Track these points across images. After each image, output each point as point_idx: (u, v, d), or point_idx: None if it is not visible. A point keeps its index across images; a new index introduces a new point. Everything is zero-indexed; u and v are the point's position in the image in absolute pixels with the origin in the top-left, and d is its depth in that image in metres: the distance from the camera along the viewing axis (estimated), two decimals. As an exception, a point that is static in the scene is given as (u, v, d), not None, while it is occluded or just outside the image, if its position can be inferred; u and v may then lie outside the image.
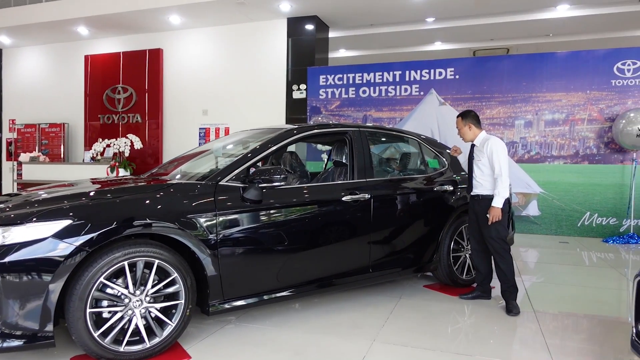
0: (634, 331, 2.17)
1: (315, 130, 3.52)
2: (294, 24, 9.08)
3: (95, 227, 2.32)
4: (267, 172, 2.84)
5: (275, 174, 2.82)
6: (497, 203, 3.47)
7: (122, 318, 2.43)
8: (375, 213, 3.42)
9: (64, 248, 2.24)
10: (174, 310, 2.58)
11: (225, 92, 9.54)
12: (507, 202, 3.56)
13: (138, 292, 2.46)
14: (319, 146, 8.36)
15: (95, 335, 2.34)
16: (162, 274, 2.55)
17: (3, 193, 9.80)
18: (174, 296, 2.58)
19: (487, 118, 7.56)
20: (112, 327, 2.40)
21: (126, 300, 2.43)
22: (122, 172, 8.17)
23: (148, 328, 2.50)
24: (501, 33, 10.24)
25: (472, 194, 3.71)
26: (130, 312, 2.44)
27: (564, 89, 7.22)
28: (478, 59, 8.22)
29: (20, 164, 9.72)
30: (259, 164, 3.33)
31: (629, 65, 6.93)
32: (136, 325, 2.46)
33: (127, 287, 2.43)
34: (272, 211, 2.95)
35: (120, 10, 8.81)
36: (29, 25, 9.72)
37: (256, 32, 9.33)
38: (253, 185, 2.84)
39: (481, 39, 10.71)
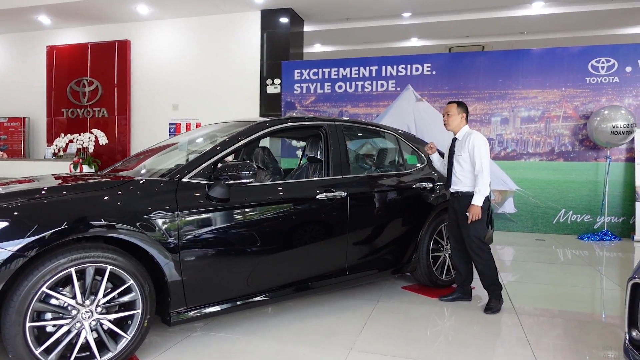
0: (627, 337, 2.04)
1: (288, 124, 3.29)
2: (268, 17, 8.81)
3: (36, 230, 2.04)
4: (234, 168, 2.60)
5: (243, 170, 2.58)
6: (477, 201, 3.33)
7: (69, 332, 2.16)
8: (351, 212, 3.23)
9: (-2, 254, 1.96)
10: (129, 321, 2.32)
11: (197, 87, 9.20)
12: (487, 199, 3.42)
13: (88, 302, 2.20)
14: (294, 142, 8.14)
15: (37, 352, 2.06)
16: (116, 281, 2.29)
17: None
18: (130, 305, 2.33)
19: (464, 114, 7.47)
20: (57, 342, 2.13)
21: (74, 312, 2.16)
22: (86, 169, 7.75)
23: (100, 342, 2.24)
24: (476, 30, 10.22)
25: (451, 190, 3.56)
26: (78, 324, 2.17)
27: (539, 86, 7.20)
28: (455, 54, 8.14)
29: (-24, 160, 9.15)
30: (230, 159, 3.09)
31: (603, 63, 6.95)
32: (86, 339, 2.19)
33: (74, 297, 2.16)
34: (240, 210, 2.71)
35: (84, -2, 8.37)
36: (-15, 13, 9.15)
37: (229, 24, 9.02)
38: (219, 182, 2.60)
39: (457, 35, 10.67)
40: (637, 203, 6.64)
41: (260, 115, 8.78)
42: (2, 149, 9.72)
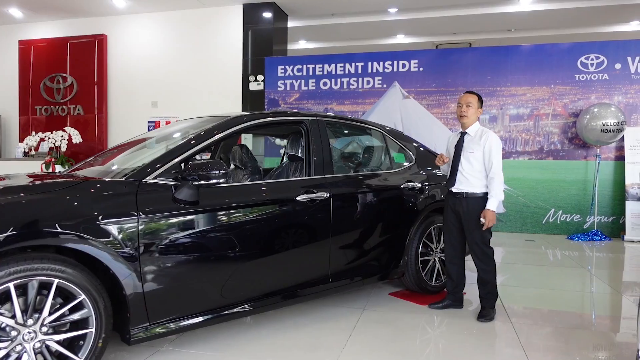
0: None
1: (267, 119, 3.02)
2: (251, 11, 8.52)
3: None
4: (203, 167, 2.33)
5: (212, 170, 2.31)
6: (493, 206, 3.08)
7: (8, 356, 1.88)
8: (335, 214, 2.98)
9: None
10: (81, 342, 2.04)
11: (177, 83, 8.87)
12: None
13: (31, 322, 1.91)
14: (277, 141, 7.87)
15: (-32, 381, 1.78)
16: (65, 296, 2.01)
17: None
18: (82, 324, 2.05)
19: (452, 112, 7.29)
20: (-6, 369, 1.85)
21: (13, 333, 1.88)
22: (59, 169, 7.38)
23: (46, 366, 1.96)
24: (464, 27, 10.06)
25: (454, 190, 3.27)
26: (19, 347, 1.89)
27: (528, 83, 7.04)
28: (442, 51, 7.96)
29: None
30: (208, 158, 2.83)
31: (592, 59, 6.82)
32: (29, 363, 1.91)
33: (14, 317, 1.88)
34: (211, 214, 2.45)
35: (57, -10, 7.99)
36: (-48, 5, 8.71)
37: (210, 18, 8.70)
38: (186, 182, 2.33)
39: (444, 32, 10.51)
40: (627, 202, 6.52)
41: (243, 113, 8.48)
42: (-29, 148, 9.26)
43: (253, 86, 8.41)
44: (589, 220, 6.75)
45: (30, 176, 2.65)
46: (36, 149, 7.95)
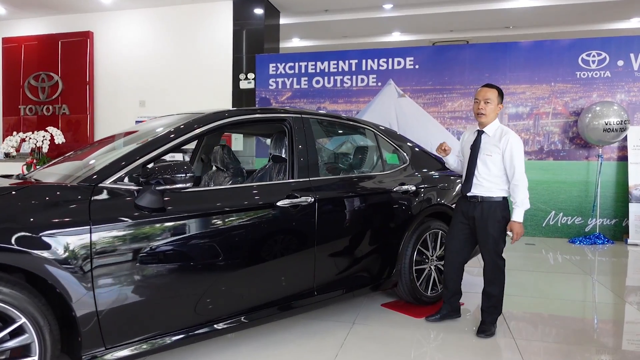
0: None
1: (241, 117, 2.70)
2: (241, 7, 8.25)
3: None
4: (168, 169, 2.06)
5: (178, 172, 2.05)
6: (519, 217, 2.80)
7: None
8: (320, 221, 2.71)
9: None
10: (23, 371, 1.77)
11: (165, 82, 8.58)
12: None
13: (-42, 351, 1.65)
14: (269, 141, 7.60)
15: None
16: (4, 319, 1.73)
17: None
18: (24, 350, 1.77)
19: (449, 111, 7.05)
20: None
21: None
22: (41, 171, 7.08)
23: (-21, 401, 1.69)
24: (460, 24, 9.82)
25: (468, 194, 2.96)
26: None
27: (527, 81, 6.80)
28: (439, 48, 7.70)
29: None
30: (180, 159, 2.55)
31: (593, 56, 6.58)
32: (-43, 399, 1.64)
33: (-63, 345, 1.61)
34: (179, 223, 2.17)
35: (39, -15, 7.71)
36: None
37: (199, 15, 8.42)
38: (149, 187, 2.06)
39: (440, 30, 10.26)
40: (630, 204, 6.28)
41: (233, 112, 8.20)
42: (-48, 149, 8.94)
43: (244, 84, 8.13)
44: (590, 222, 6.51)
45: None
46: (18, 149, 7.65)
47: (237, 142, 8.12)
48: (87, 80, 8.85)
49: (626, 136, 6.30)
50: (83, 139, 8.85)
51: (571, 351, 2.71)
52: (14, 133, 7.47)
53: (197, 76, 8.40)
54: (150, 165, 2.21)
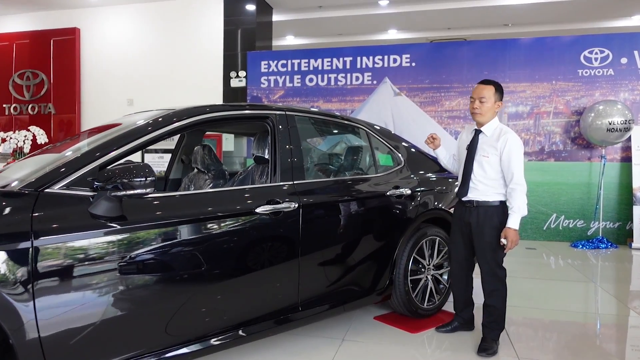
0: None
1: (211, 114, 2.42)
2: (232, 3, 7.98)
3: None
4: (126, 173, 1.80)
5: (136, 176, 1.78)
6: (515, 223, 2.55)
7: None
8: (305, 229, 2.45)
9: None
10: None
11: (154, 80, 8.31)
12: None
13: None
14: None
15: None
16: None
17: None
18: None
19: (447, 110, 6.81)
20: None
21: None
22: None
23: None
24: (458, 22, 9.58)
25: (464, 199, 2.74)
26: None
27: (528, 79, 6.56)
28: (436, 45, 7.46)
29: None
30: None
31: (596, 53, 6.34)
32: None
33: None
34: (141, 233, 1.91)
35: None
36: None
37: (188, 11, 8.15)
38: (103, 193, 1.80)
39: (437, 27, 10.03)
40: (634, 207, 6.05)
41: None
42: None
43: (234, 82, 7.87)
44: (593, 226, 6.27)
45: None
46: (-1, 150, 7.36)
47: (228, 142, 7.87)
48: (74, 78, 8.57)
49: (630, 136, 6.07)
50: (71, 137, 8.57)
51: (581, 372, 2.46)
52: (-4, 133, 7.19)
53: (187, 74, 8.14)
54: (111, 167, 1.94)
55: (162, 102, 8.05)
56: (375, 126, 3.38)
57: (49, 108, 8.67)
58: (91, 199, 1.82)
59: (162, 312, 1.98)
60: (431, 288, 3.21)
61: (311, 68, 7.39)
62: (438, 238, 3.23)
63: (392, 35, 10.47)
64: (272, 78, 7.54)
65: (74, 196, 1.80)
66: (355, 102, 7.22)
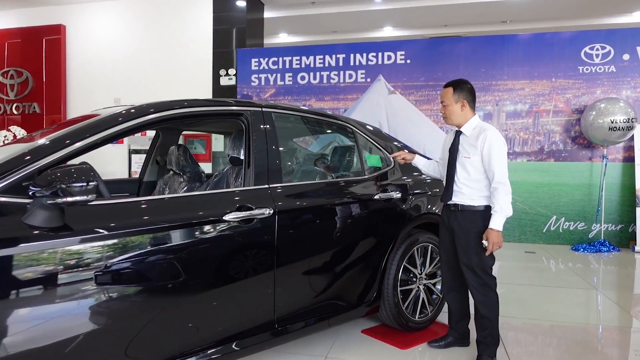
0: None
1: (175, 110, 2.20)
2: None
3: None
4: (65, 177, 1.56)
5: (76, 181, 1.54)
6: (498, 224, 2.36)
7: None
8: (281, 237, 2.21)
9: None
10: None
11: (141, 78, 8.06)
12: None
13: None
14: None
15: None
16: None
17: None
18: None
19: (442, 109, 6.57)
20: None
21: None
22: None
23: None
24: (455, 19, 9.36)
25: (449, 202, 2.57)
26: None
27: (527, 76, 6.34)
28: (432, 41, 7.22)
29: None
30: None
31: (597, 50, 6.12)
32: None
33: None
34: (88, 245, 1.67)
35: (4, -27, 7.18)
36: None
37: (176, 7, 7.91)
38: (39, 201, 1.56)
39: (434, 24, 9.81)
40: (637, 209, 5.83)
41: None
42: None
43: (224, 81, 7.63)
44: (594, 228, 6.05)
45: None
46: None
47: (218, 142, 7.63)
48: (59, 76, 8.31)
49: (633, 135, 5.86)
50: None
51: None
52: (-26, 133, 6.95)
53: (175, 72, 7.90)
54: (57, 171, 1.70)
55: (150, 101, 7.83)
56: (364, 125, 3.14)
57: (34, 107, 8.41)
58: (28, 207, 1.58)
59: (108, 336, 1.73)
60: (423, 299, 2.97)
61: (303, 65, 7.16)
62: (431, 245, 3.00)
63: (388, 32, 10.24)
64: (262, 76, 7.31)
65: (6, 203, 1.56)
66: (348, 100, 6.99)
